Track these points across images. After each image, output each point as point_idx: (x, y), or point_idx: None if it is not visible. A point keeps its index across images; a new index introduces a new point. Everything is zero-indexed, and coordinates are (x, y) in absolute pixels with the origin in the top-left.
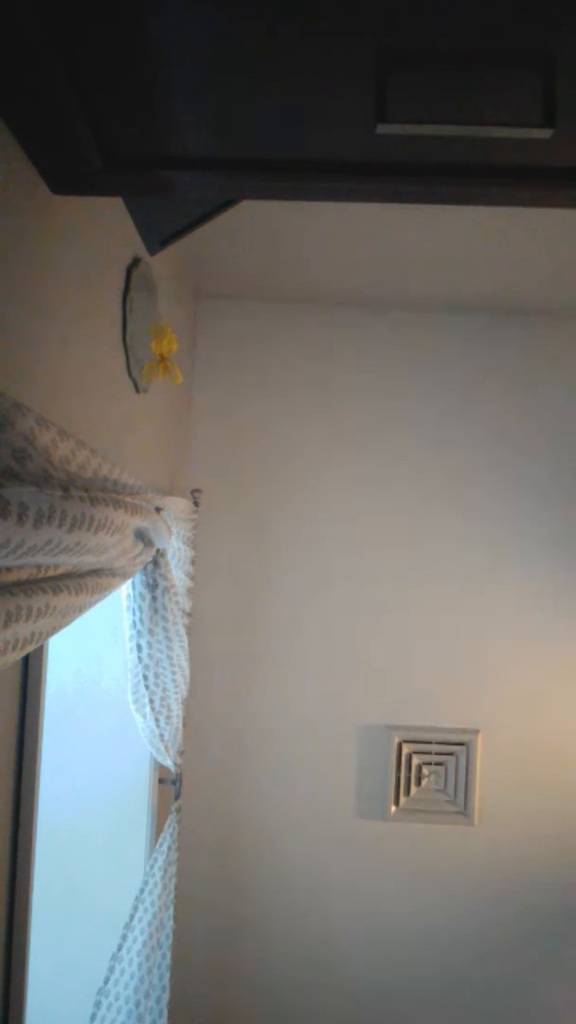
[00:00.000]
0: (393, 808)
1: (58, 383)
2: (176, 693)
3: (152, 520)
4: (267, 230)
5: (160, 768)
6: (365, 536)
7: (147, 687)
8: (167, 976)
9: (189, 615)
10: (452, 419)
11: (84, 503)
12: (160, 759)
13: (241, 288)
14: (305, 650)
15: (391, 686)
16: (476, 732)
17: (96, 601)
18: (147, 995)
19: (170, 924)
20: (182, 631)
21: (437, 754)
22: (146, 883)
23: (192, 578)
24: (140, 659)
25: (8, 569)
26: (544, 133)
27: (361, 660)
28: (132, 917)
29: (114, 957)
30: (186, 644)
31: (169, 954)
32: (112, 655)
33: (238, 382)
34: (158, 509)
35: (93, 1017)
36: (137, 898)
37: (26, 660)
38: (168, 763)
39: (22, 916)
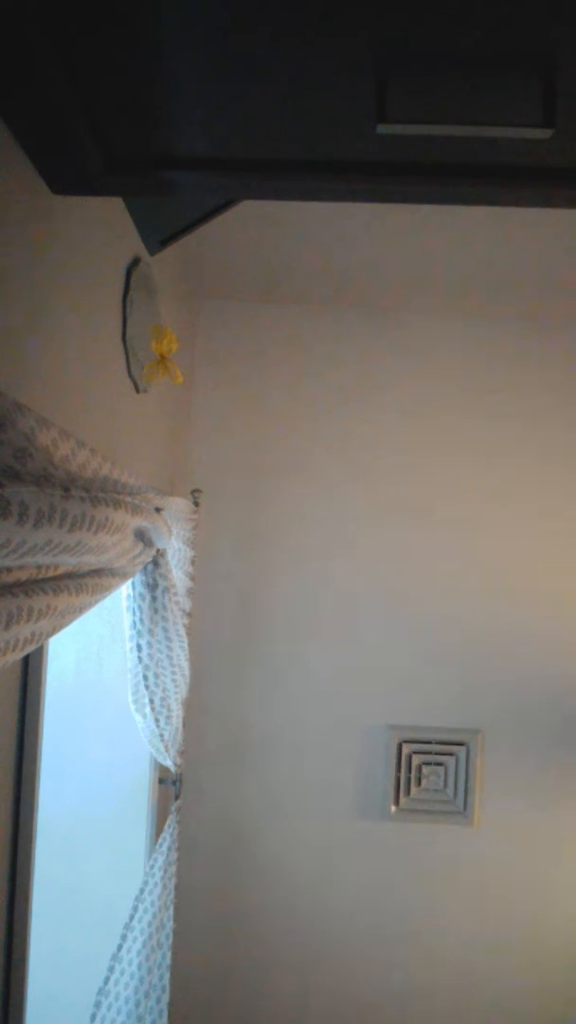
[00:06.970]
0: (393, 808)
1: (58, 383)
2: (176, 693)
3: (152, 520)
4: (267, 230)
5: (160, 768)
6: (365, 536)
7: (147, 687)
8: (167, 976)
9: (189, 615)
10: (453, 419)
11: (84, 503)
12: (160, 759)
13: (241, 288)
14: (305, 650)
15: (391, 686)
16: (476, 732)
17: (96, 601)
18: (147, 995)
19: (170, 924)
20: (182, 631)
21: (437, 754)
22: (146, 883)
23: (192, 578)
24: (140, 659)
25: (8, 569)
26: (544, 133)
27: (361, 660)
28: (132, 917)
29: (114, 957)
30: (186, 644)
31: (169, 954)
32: (112, 655)
33: (238, 382)
34: (158, 509)
35: (93, 1017)
36: (137, 898)
37: (26, 660)
38: (168, 763)
39: (22, 916)
